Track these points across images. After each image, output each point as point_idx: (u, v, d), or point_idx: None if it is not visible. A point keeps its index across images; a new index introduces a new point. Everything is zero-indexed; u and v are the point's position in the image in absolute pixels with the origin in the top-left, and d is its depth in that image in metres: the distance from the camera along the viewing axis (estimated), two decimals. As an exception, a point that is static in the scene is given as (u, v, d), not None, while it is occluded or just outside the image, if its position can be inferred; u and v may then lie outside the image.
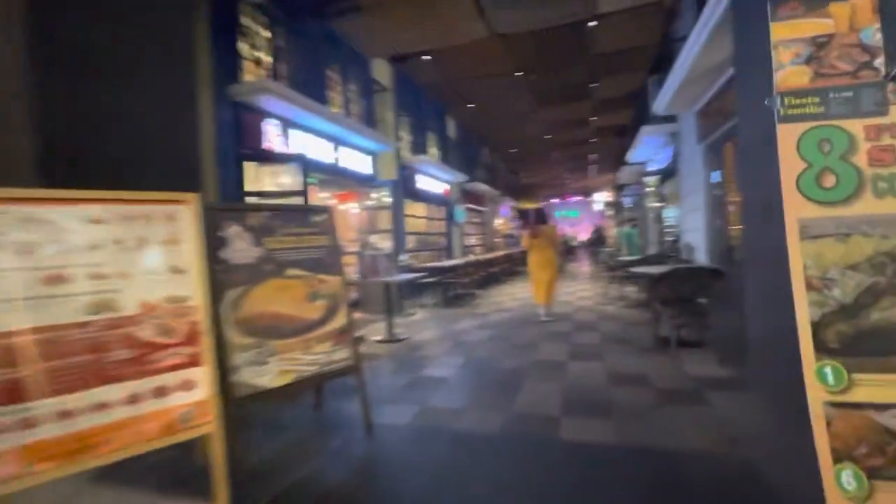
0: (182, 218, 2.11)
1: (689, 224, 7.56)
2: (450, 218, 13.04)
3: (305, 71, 6.48)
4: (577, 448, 2.67)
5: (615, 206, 24.84)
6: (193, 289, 2.09)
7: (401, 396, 3.64)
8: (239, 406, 2.47)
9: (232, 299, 2.56)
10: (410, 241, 10.59)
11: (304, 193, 5.35)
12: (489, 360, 4.58)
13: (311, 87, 6.35)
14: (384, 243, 8.05)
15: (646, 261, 6.68)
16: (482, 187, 15.13)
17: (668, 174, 9.29)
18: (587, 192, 35.16)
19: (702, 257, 6.58)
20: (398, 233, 9.32)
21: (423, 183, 10.76)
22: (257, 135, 5.41)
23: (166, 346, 1.99)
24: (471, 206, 15.26)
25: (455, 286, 9.14)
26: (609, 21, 7.81)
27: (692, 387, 3.50)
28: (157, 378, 1.95)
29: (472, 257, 12.20)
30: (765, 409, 2.29)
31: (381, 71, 8.84)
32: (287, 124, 5.94)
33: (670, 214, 10.53)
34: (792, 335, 1.30)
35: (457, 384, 3.92)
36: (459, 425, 3.06)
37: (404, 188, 9.74)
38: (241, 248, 2.66)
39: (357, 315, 8.12)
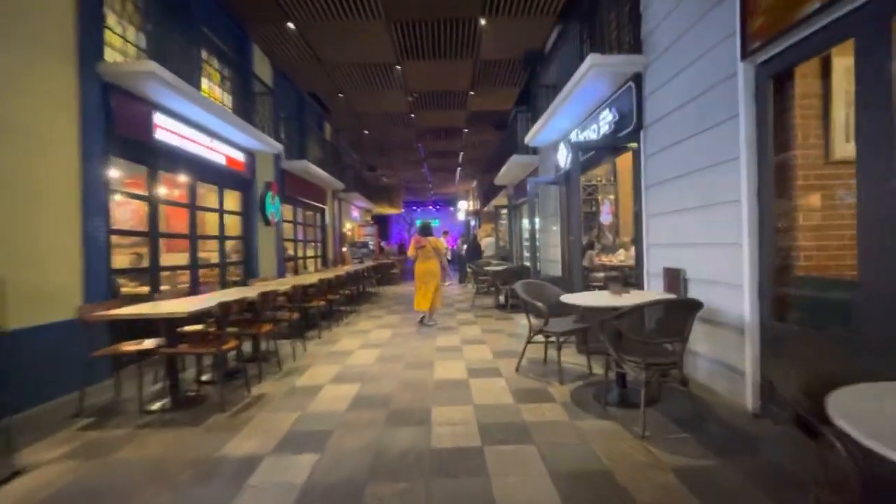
0: None
1: (682, 233, 4.07)
2: (256, 212, 7.87)
3: None
4: None
5: (483, 214, 22.32)
6: None
7: None
8: None
9: None
10: (132, 251, 5.26)
11: None
12: None
13: None
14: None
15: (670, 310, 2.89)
16: (317, 172, 10.24)
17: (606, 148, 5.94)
18: (451, 201, 32.76)
19: (743, 307, 3.05)
20: (93, 237, 4.00)
21: (180, 137, 5.47)
22: None
23: None
24: (298, 197, 10.21)
25: (218, 354, 4.14)
26: None
27: None
28: None
29: (290, 279, 7.31)
30: None
31: None
32: None
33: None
34: None
35: None
36: None
37: (108, 133, 4.39)
38: None
39: None
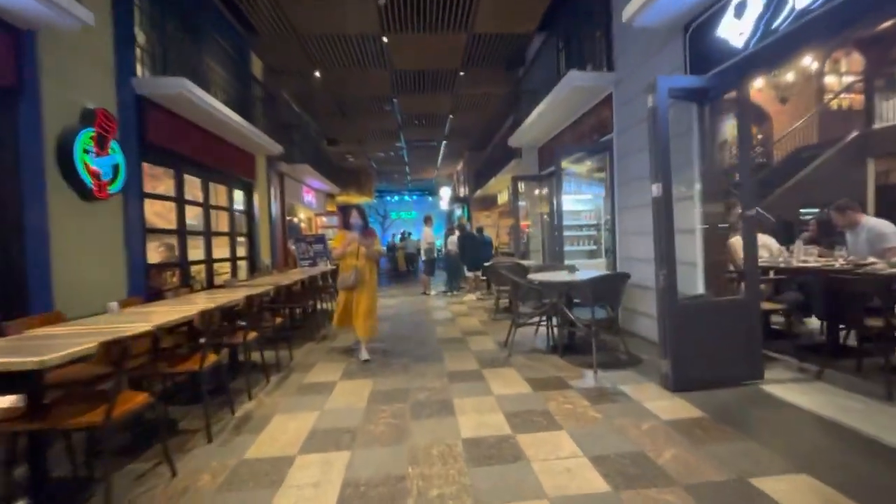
0: None
1: None
2: (43, 171, 3.52)
3: None
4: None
5: (473, 200, 18.33)
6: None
7: None
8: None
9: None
10: None
11: None
12: None
13: None
14: None
15: None
16: (222, 112, 5.87)
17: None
18: (430, 189, 28.58)
19: None
20: None
21: None
22: None
23: None
24: (189, 156, 5.80)
25: None
26: None
27: None
28: None
29: (122, 325, 3.06)
30: None
31: None
32: None
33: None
34: None
35: None
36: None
37: None
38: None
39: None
